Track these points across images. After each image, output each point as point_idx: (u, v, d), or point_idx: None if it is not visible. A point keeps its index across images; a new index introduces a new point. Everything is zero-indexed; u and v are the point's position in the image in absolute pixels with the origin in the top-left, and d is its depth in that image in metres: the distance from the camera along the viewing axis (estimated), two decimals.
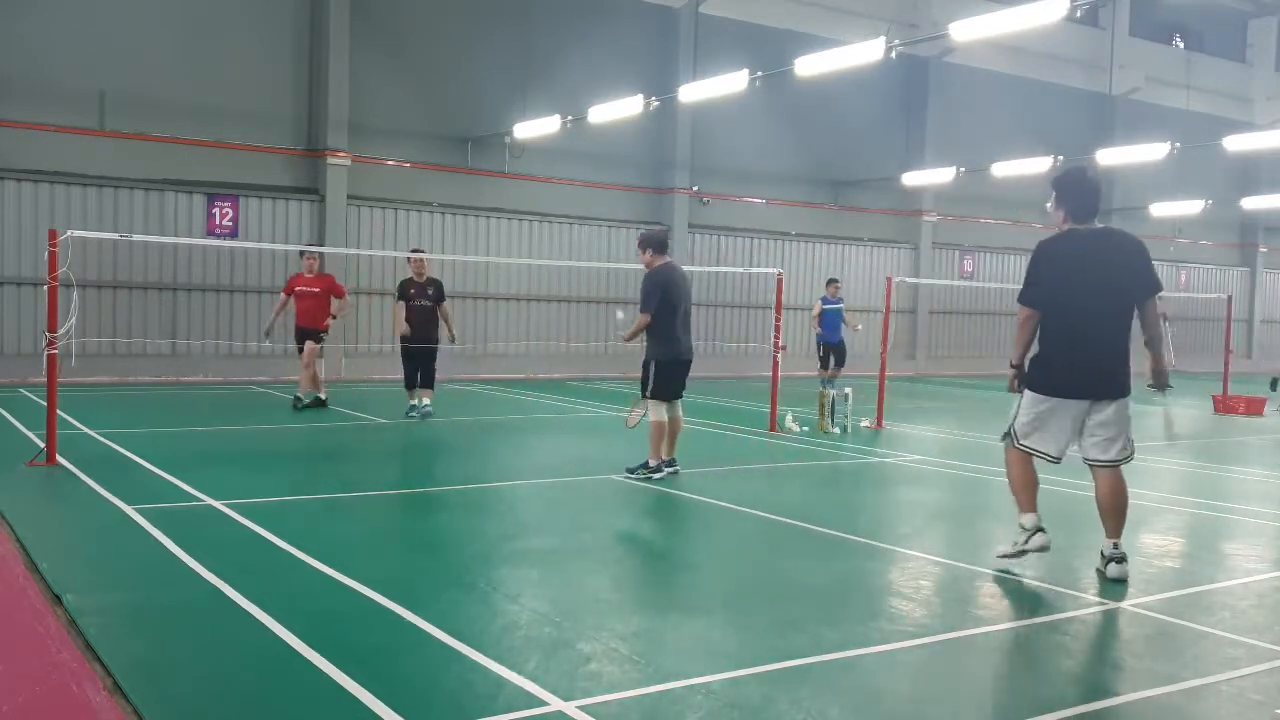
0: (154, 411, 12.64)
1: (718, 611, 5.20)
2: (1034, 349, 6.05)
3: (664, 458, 8.80)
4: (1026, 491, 6.05)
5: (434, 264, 19.73)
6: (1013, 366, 6.12)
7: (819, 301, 17.86)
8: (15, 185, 16.51)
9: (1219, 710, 4.10)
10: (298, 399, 13.33)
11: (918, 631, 4.91)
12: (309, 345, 13.15)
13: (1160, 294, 5.91)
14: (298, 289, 13.27)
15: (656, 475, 8.63)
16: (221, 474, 8.67)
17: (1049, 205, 6.03)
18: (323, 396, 13.46)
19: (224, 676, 4.15)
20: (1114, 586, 5.78)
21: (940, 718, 4.01)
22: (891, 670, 4.47)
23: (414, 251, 13.21)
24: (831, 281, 18.06)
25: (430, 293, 12.64)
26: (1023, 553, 6.01)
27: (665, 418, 8.66)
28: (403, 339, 12.66)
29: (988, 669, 4.58)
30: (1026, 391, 5.99)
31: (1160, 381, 6.01)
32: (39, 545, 5.93)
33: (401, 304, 12.73)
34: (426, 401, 12.81)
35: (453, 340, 13.06)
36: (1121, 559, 5.85)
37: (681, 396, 8.89)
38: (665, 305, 8.61)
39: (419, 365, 12.70)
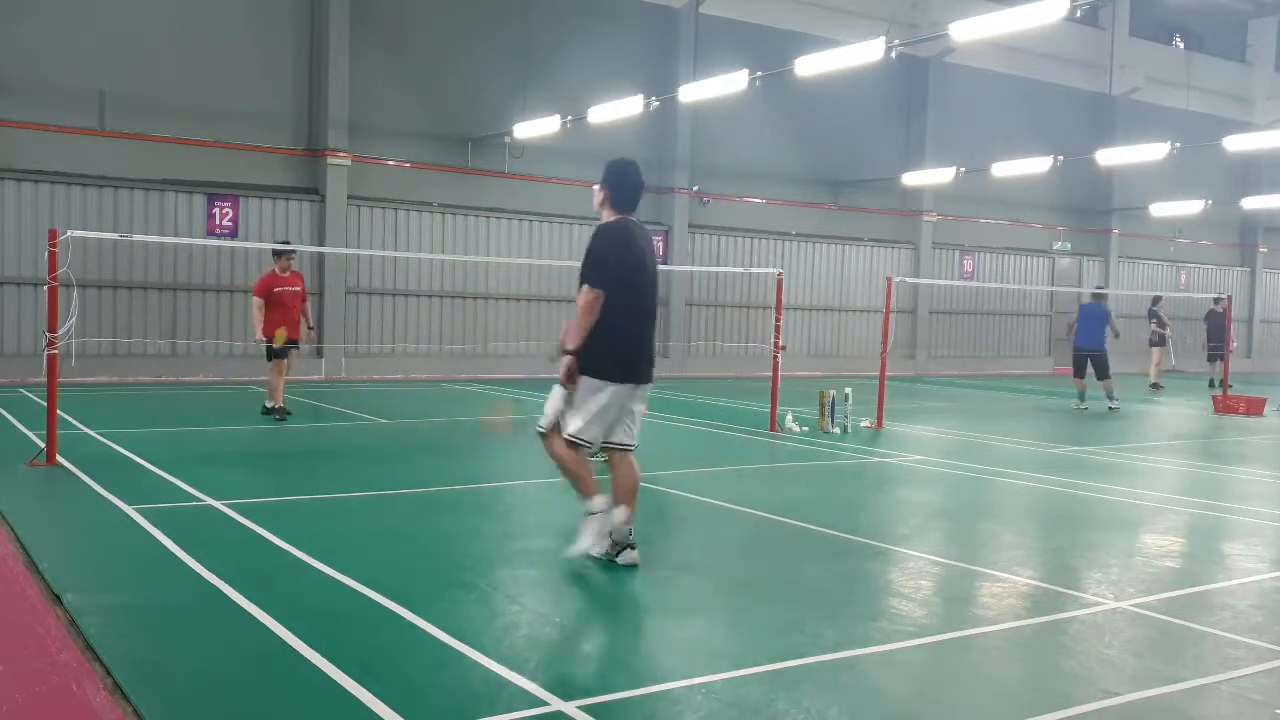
0: (154, 411, 12.63)
1: (718, 611, 5.20)
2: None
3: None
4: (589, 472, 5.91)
5: (434, 264, 19.91)
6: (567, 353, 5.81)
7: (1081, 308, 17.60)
8: (15, 185, 16.49)
9: (1219, 710, 4.10)
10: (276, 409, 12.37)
11: (918, 631, 4.91)
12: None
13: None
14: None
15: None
16: (221, 474, 8.67)
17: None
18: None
19: (224, 676, 4.15)
20: (1114, 586, 5.79)
21: (940, 718, 4.01)
22: (891, 670, 4.47)
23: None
24: (1100, 292, 17.91)
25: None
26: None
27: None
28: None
29: (988, 669, 4.58)
30: (584, 379, 5.81)
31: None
32: (39, 545, 5.93)
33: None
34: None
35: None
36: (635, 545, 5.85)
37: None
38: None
39: None
